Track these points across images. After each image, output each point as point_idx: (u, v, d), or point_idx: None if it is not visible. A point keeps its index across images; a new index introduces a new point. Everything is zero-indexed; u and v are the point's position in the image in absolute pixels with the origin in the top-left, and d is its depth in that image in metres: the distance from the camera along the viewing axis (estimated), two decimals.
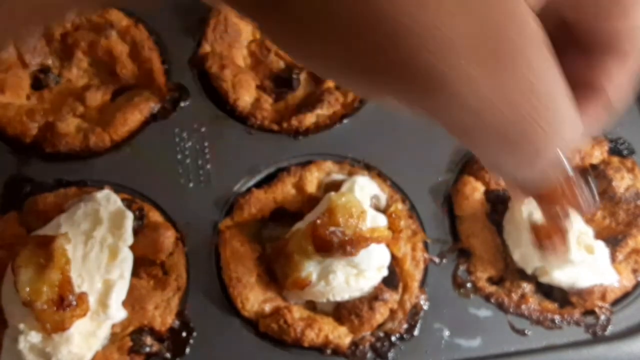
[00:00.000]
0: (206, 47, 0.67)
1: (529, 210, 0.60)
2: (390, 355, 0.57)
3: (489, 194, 0.64)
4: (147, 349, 0.55)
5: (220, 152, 0.63)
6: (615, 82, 0.33)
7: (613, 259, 0.61)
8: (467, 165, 0.65)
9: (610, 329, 0.60)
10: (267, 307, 0.58)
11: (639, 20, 0.30)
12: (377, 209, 0.61)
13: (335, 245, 0.54)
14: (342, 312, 0.58)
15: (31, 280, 0.50)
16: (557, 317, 0.60)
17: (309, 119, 0.65)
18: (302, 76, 0.67)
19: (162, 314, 0.56)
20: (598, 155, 0.66)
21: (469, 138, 0.29)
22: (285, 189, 0.62)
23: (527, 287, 0.61)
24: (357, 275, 0.56)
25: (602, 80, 0.33)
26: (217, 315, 0.58)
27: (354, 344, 0.57)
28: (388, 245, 0.59)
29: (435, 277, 0.61)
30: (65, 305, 0.50)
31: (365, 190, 0.61)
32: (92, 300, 0.52)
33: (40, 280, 0.50)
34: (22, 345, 0.51)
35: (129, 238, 0.55)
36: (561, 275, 0.59)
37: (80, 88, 0.66)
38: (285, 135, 0.65)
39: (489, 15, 0.25)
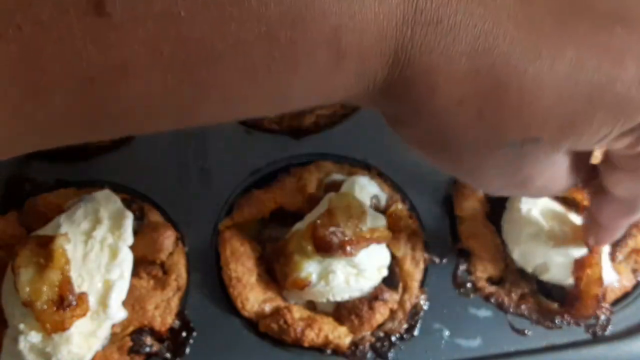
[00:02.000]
0: None
1: (527, 207, 0.60)
2: (390, 355, 0.57)
3: (488, 194, 0.64)
4: (147, 349, 0.55)
5: (220, 152, 0.63)
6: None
7: (613, 259, 0.61)
8: None
9: (610, 329, 0.60)
10: (267, 307, 0.58)
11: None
12: (377, 209, 0.61)
13: (335, 246, 0.54)
14: (342, 312, 0.58)
15: (31, 280, 0.50)
16: (557, 317, 0.60)
17: (309, 119, 0.65)
18: None
19: (162, 314, 0.56)
20: (598, 155, 0.66)
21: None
22: (285, 189, 0.62)
23: (527, 287, 0.61)
24: (357, 275, 0.56)
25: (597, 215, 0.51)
26: (217, 315, 0.58)
27: (354, 344, 0.57)
28: (388, 245, 0.59)
29: (435, 277, 0.61)
30: (65, 305, 0.50)
31: (365, 190, 0.61)
32: (92, 300, 0.52)
33: (40, 280, 0.50)
34: (22, 345, 0.51)
35: (129, 238, 0.55)
36: (561, 273, 0.59)
37: None
38: (285, 135, 0.65)
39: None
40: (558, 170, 0.42)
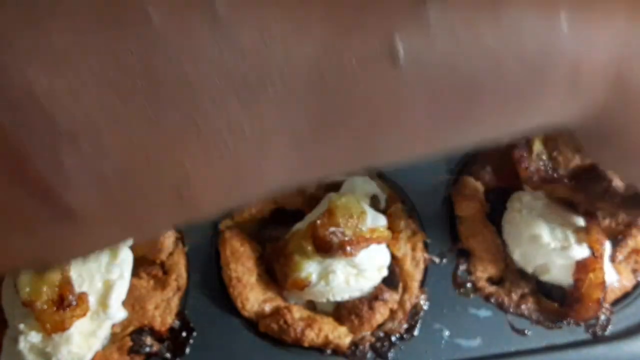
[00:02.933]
0: None
1: (529, 208, 0.60)
2: (390, 355, 0.57)
3: (489, 194, 0.64)
4: (147, 349, 0.55)
5: None
6: None
7: (613, 259, 0.61)
8: (467, 165, 0.65)
9: (610, 329, 0.60)
10: (267, 307, 0.58)
11: None
12: (377, 209, 0.61)
13: (335, 246, 0.54)
14: (342, 312, 0.58)
15: (31, 280, 0.50)
16: (557, 317, 0.59)
17: None
18: None
19: (162, 314, 0.56)
20: None
21: None
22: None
23: (527, 287, 0.61)
24: (357, 275, 0.56)
25: None
26: (217, 315, 0.58)
27: (354, 344, 0.57)
28: (388, 245, 0.59)
29: (435, 277, 0.61)
30: (65, 305, 0.50)
31: (365, 190, 0.61)
32: (92, 300, 0.52)
33: (40, 280, 0.50)
34: (22, 345, 0.51)
35: None
36: (562, 274, 0.59)
37: None
38: None
39: None
40: None
